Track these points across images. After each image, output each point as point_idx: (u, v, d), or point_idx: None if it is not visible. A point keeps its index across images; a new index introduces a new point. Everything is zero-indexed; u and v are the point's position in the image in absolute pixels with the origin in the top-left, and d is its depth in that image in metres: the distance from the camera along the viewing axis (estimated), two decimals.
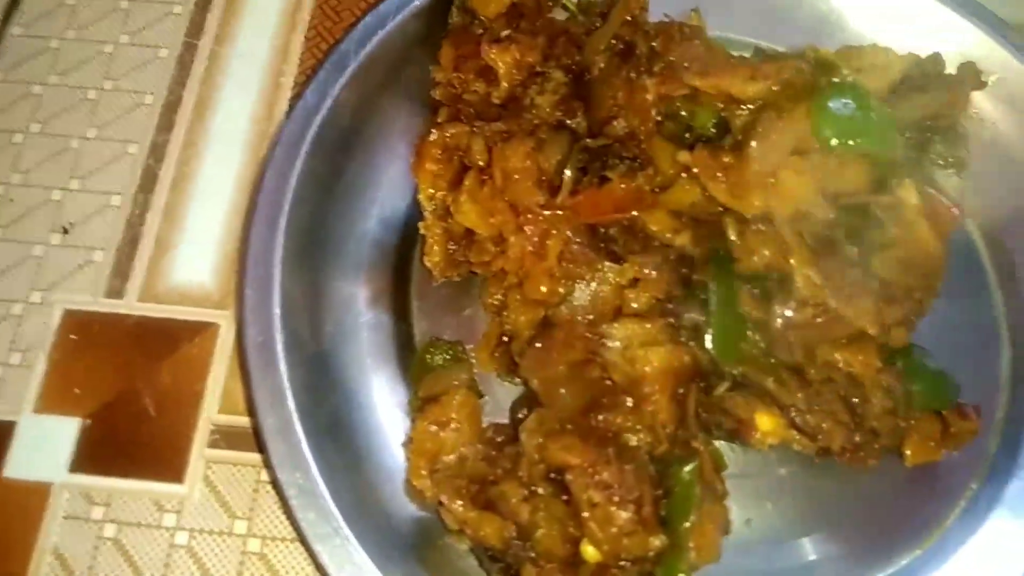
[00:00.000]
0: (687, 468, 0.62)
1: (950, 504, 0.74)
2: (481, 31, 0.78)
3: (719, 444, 0.71)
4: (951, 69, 0.84)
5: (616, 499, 0.60)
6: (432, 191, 0.71)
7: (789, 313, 0.65)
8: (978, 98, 0.85)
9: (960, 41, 0.84)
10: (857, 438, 0.70)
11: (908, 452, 0.69)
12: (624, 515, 0.60)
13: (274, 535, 0.71)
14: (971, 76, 0.83)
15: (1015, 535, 0.72)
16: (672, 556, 0.61)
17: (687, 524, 0.60)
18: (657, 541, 0.60)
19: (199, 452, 0.73)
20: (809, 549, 0.72)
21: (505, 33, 0.76)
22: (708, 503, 0.63)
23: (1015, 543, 0.72)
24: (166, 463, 0.73)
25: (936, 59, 0.84)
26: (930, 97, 0.82)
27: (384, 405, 0.73)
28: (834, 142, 0.65)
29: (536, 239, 0.67)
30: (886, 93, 0.82)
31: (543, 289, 0.67)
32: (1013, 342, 0.79)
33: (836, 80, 0.67)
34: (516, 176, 0.69)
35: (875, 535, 0.73)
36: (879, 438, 0.70)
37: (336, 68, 0.78)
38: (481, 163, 0.70)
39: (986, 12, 0.85)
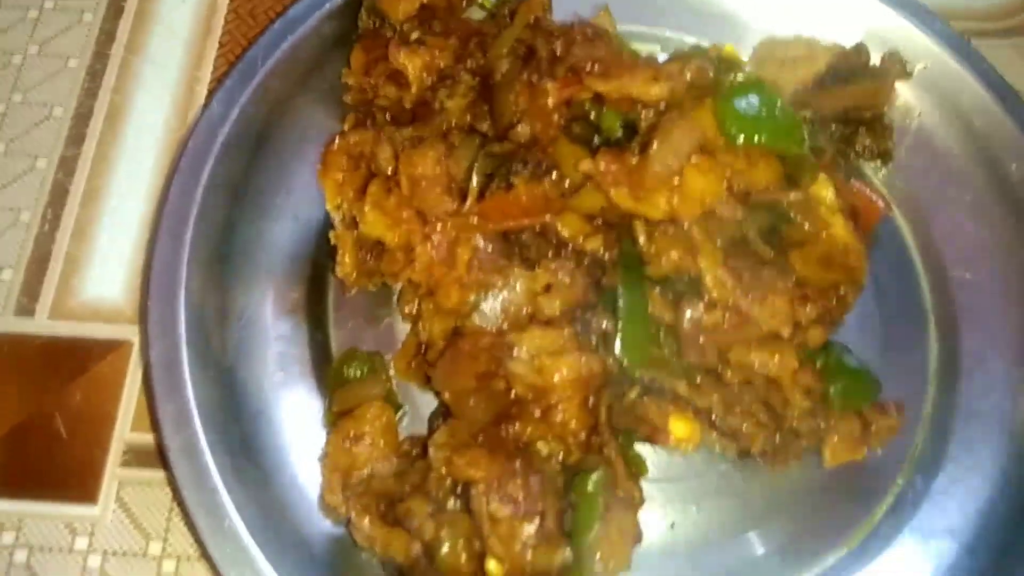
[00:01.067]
0: (592, 479, 0.61)
1: (877, 500, 0.73)
2: (391, 34, 0.77)
3: (642, 448, 0.71)
4: (876, 60, 0.84)
5: (520, 513, 0.59)
6: (339, 200, 0.69)
7: (699, 315, 0.64)
8: (904, 88, 0.84)
9: (885, 30, 0.83)
10: (777, 439, 0.69)
11: (827, 454, 0.68)
12: (527, 529, 0.59)
13: (189, 555, 0.70)
14: (896, 66, 0.82)
15: (942, 530, 0.72)
16: (578, 569, 0.60)
17: (590, 536, 0.59)
18: (560, 555, 0.59)
19: (112, 472, 0.72)
20: (735, 551, 0.71)
21: (415, 36, 0.75)
22: (617, 512, 0.62)
23: (942, 539, 0.72)
24: (78, 485, 0.71)
25: (861, 49, 0.83)
26: (855, 88, 0.81)
27: (298, 420, 0.71)
28: (740, 140, 0.64)
29: (444, 247, 0.66)
30: (810, 85, 0.81)
31: (454, 298, 0.66)
32: (941, 335, 0.79)
33: (740, 78, 0.66)
34: (424, 183, 0.67)
35: (803, 535, 0.72)
36: (800, 438, 0.70)
37: (244, 75, 0.76)
38: (388, 170, 0.69)
39: (910, 1, 0.84)
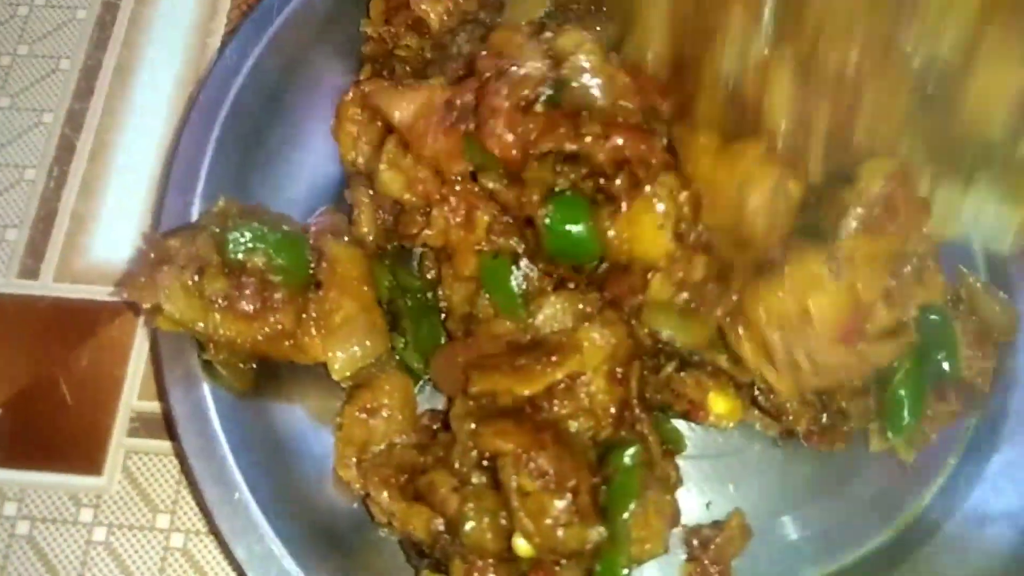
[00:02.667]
0: (628, 453, 0.57)
1: (927, 483, 0.69)
2: None
3: (678, 423, 0.67)
4: None
5: (551, 487, 0.55)
6: (353, 154, 0.65)
7: None
8: None
9: None
10: (824, 419, 0.65)
11: (874, 438, 0.64)
12: (559, 504, 0.55)
13: (199, 529, 0.67)
14: None
15: (999, 514, 0.68)
16: (612, 549, 0.56)
17: (627, 514, 0.55)
18: (595, 533, 0.55)
19: (118, 441, 0.69)
20: (773, 533, 0.67)
21: None
22: (653, 491, 0.58)
23: (998, 524, 0.67)
24: (83, 454, 0.68)
25: None
26: None
27: (311, 387, 0.68)
28: None
29: (462, 210, 0.61)
30: None
31: (471, 264, 0.62)
32: None
33: None
34: (427, 133, 0.62)
35: (845, 518, 0.68)
36: (848, 420, 0.65)
37: (259, 26, 0.72)
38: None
39: None
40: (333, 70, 0.75)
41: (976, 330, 0.69)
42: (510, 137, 0.57)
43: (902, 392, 0.64)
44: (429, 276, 0.68)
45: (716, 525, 0.66)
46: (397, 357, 0.67)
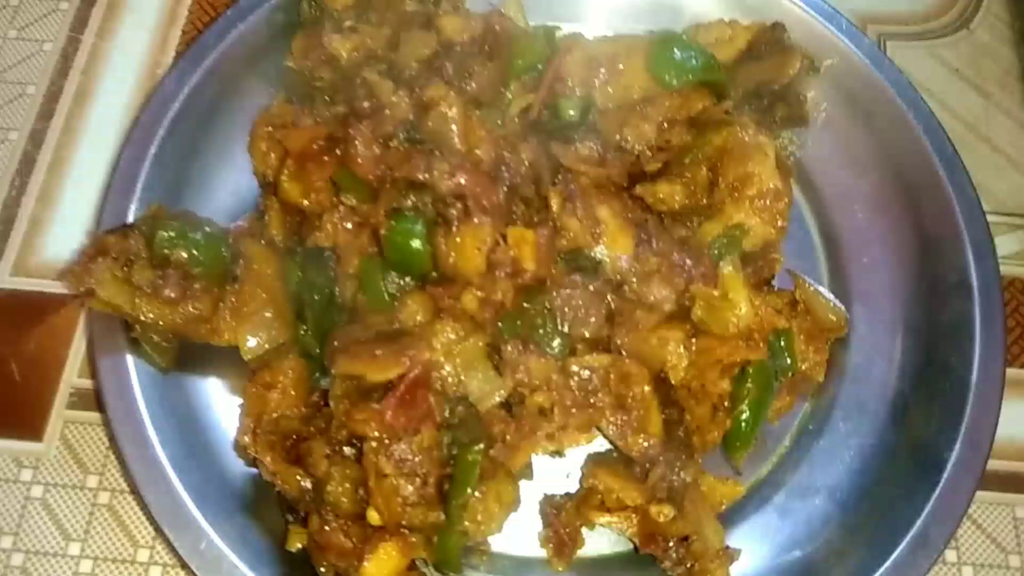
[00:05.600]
0: (475, 449, 0.66)
1: (764, 459, 0.79)
2: (330, 22, 0.84)
3: None
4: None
5: (405, 472, 0.65)
6: (263, 167, 0.76)
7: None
8: (812, 83, 0.90)
9: (794, 28, 0.89)
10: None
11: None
12: (409, 488, 0.65)
13: (123, 488, 0.77)
14: (798, 60, 0.88)
15: (820, 487, 0.77)
16: (447, 529, 0.66)
17: (461, 501, 0.65)
18: (434, 516, 0.65)
19: (58, 413, 0.79)
20: None
21: (348, 24, 0.82)
22: (497, 481, 0.67)
23: (819, 495, 0.77)
24: (27, 423, 0.79)
25: (777, 26, 0.88)
26: (765, 62, 0.87)
27: (229, 367, 0.78)
28: (674, 82, 0.79)
29: (349, 217, 0.72)
30: (731, 64, 0.88)
31: (357, 266, 0.72)
32: None
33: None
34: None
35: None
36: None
37: (195, 58, 0.84)
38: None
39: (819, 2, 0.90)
40: (262, 97, 0.86)
41: (810, 328, 0.80)
42: (369, 163, 0.69)
43: (743, 420, 0.73)
44: (332, 275, 0.79)
45: (568, 495, 0.75)
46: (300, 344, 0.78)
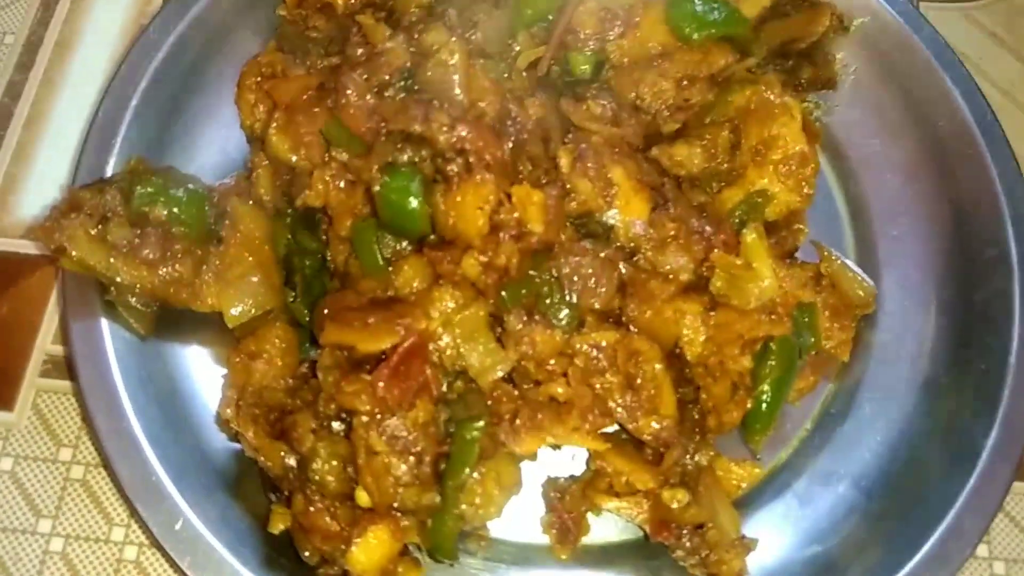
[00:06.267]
0: (475, 426, 0.62)
1: (784, 443, 0.74)
2: None
3: None
4: None
5: (397, 450, 0.60)
6: (251, 120, 0.71)
7: None
8: (842, 44, 0.84)
9: None
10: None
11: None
12: (402, 467, 0.60)
13: (97, 462, 0.72)
14: (827, 17, 0.82)
15: (844, 474, 0.72)
16: (442, 512, 0.61)
17: (459, 481, 0.60)
18: (428, 498, 0.60)
19: (30, 381, 0.74)
20: None
21: None
22: (498, 461, 0.63)
23: (842, 482, 0.72)
24: None
25: None
26: (791, 20, 0.82)
27: (211, 336, 0.73)
28: (695, 35, 0.72)
29: (342, 173, 0.67)
30: (756, 21, 0.82)
31: (348, 227, 0.67)
32: None
33: None
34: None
35: None
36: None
37: (181, 7, 0.78)
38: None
39: None
40: (252, 49, 0.81)
41: (836, 305, 0.74)
42: (361, 113, 0.63)
43: (764, 400, 0.68)
44: (324, 238, 0.74)
45: (573, 479, 0.70)
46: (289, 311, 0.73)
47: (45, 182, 0.81)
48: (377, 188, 0.63)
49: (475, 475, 0.60)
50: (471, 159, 0.63)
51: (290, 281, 0.72)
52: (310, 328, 0.72)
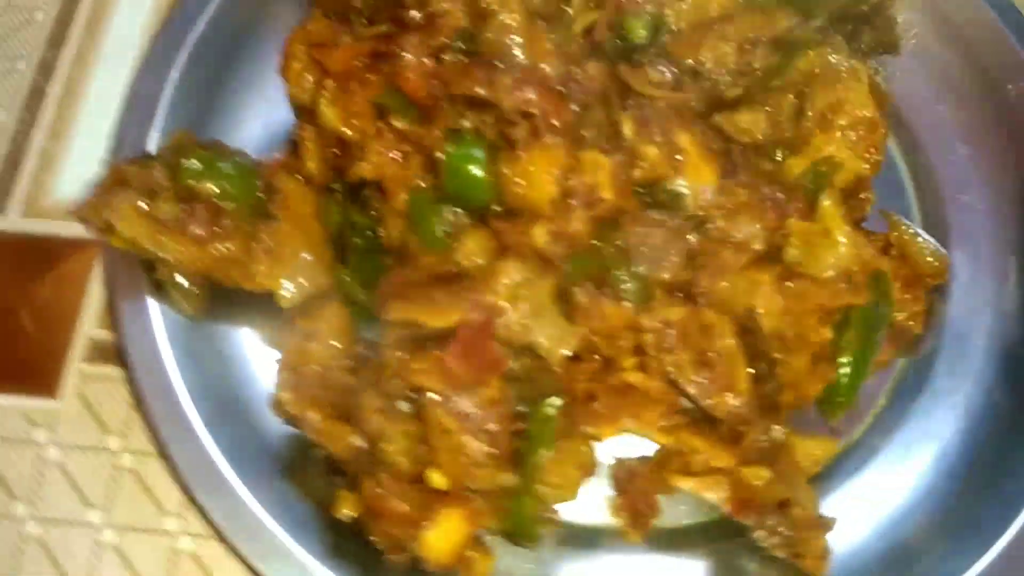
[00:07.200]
0: (551, 403, 0.59)
1: (858, 420, 0.71)
2: None
3: None
4: None
5: (472, 429, 0.58)
6: (298, 91, 0.68)
7: None
8: (904, 6, 0.81)
9: None
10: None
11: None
12: (477, 447, 0.57)
13: (148, 451, 0.69)
14: None
15: (923, 447, 0.70)
16: (521, 492, 0.58)
17: (538, 462, 0.58)
18: (506, 478, 0.57)
19: (74, 368, 0.71)
20: None
21: None
22: (572, 441, 0.60)
23: (923, 455, 0.69)
24: (39, 378, 0.71)
25: None
26: None
27: (262, 315, 0.70)
28: None
29: (398, 146, 0.64)
30: None
31: (404, 199, 0.64)
32: None
33: None
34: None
35: None
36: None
37: None
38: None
39: None
40: (293, 18, 0.78)
41: (907, 275, 0.72)
42: (420, 79, 0.60)
43: (845, 373, 0.65)
44: (375, 213, 0.71)
45: (643, 459, 0.68)
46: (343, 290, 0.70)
47: (83, 161, 0.78)
48: (442, 156, 0.60)
49: (552, 455, 0.58)
50: (538, 122, 0.60)
51: (343, 258, 0.69)
52: (365, 306, 0.69)
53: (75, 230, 0.75)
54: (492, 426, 0.58)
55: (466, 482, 0.57)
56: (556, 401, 0.58)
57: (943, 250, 0.72)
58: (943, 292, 0.73)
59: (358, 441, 0.60)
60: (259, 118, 0.76)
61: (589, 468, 0.61)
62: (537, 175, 0.59)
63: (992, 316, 0.72)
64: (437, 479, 0.57)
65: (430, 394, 0.58)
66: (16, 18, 0.83)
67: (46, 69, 0.81)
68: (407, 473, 0.58)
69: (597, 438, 0.62)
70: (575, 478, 0.59)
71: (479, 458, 0.57)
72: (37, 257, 0.75)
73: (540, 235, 0.60)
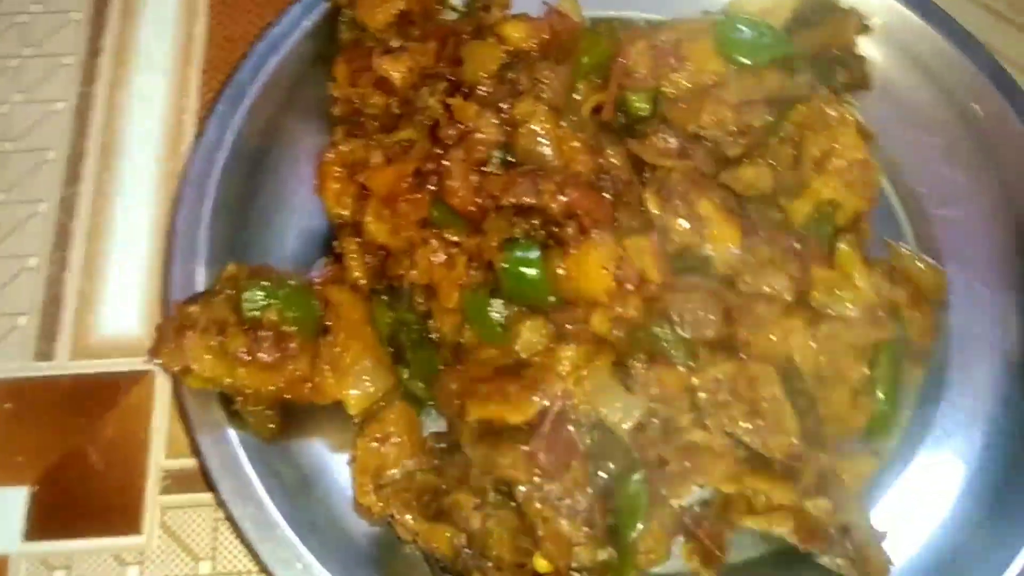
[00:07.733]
0: (635, 478, 0.63)
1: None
2: (372, 43, 0.79)
3: None
4: None
5: (570, 514, 0.62)
6: (338, 209, 0.71)
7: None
8: (867, 45, 0.87)
9: None
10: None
11: None
12: (575, 530, 0.62)
13: (239, 570, 0.72)
14: (854, 21, 0.85)
15: (951, 454, 0.76)
16: (621, 564, 0.63)
17: (634, 534, 0.62)
18: (605, 554, 0.62)
19: (153, 500, 0.73)
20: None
21: (396, 44, 0.77)
22: (658, 506, 0.65)
23: (951, 462, 0.76)
24: (121, 516, 0.73)
25: None
26: (822, 28, 0.85)
27: (326, 423, 0.73)
28: (746, 61, 0.76)
29: (443, 252, 0.68)
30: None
31: (453, 299, 0.68)
32: None
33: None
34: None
35: None
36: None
37: (234, 100, 0.78)
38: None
39: None
40: (307, 131, 0.81)
41: (912, 295, 0.78)
42: (467, 193, 0.65)
43: (884, 401, 0.71)
44: (421, 310, 0.75)
45: (704, 503, 0.73)
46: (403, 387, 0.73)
47: (122, 295, 0.80)
48: (502, 265, 0.64)
49: (641, 527, 0.62)
50: (584, 220, 0.64)
51: (401, 358, 0.73)
52: (424, 399, 0.73)
53: (126, 364, 0.78)
54: (584, 506, 0.62)
55: (568, 562, 0.61)
56: (638, 476, 0.63)
57: (941, 267, 0.78)
58: (944, 305, 0.80)
59: (459, 539, 0.63)
60: (293, 229, 0.79)
61: (676, 528, 0.66)
62: (592, 269, 0.64)
63: (990, 324, 0.79)
64: (542, 564, 0.61)
65: (520, 487, 0.62)
66: (28, 160, 0.85)
67: (68, 207, 0.83)
68: (512, 563, 0.62)
69: (678, 498, 0.66)
70: (666, 541, 0.64)
71: (578, 539, 0.61)
72: (95, 397, 0.76)
73: (601, 322, 0.65)
